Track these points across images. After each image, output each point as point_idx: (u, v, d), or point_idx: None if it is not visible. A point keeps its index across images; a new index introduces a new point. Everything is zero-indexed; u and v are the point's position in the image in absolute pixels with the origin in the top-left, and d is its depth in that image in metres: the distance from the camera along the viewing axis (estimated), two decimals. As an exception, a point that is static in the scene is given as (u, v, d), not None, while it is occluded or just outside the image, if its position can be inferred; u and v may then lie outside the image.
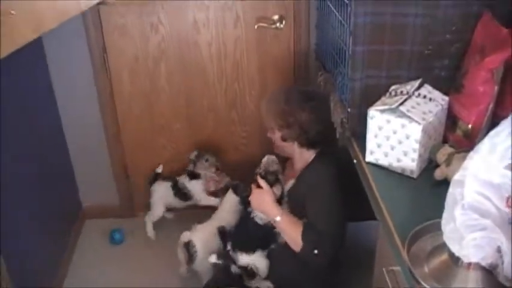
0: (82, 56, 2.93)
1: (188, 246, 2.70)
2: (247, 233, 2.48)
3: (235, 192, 2.77)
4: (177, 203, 3.14)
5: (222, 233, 2.64)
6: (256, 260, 2.42)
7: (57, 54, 2.94)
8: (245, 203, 2.55)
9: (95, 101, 3.06)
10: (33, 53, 2.83)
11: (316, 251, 2.20)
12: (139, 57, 2.97)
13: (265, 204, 2.32)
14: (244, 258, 2.42)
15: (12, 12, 1.64)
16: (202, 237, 2.71)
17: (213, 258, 2.46)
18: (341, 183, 2.29)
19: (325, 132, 2.32)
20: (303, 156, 2.42)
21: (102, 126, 3.15)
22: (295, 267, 2.32)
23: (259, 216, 2.40)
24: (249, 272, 2.41)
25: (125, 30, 2.90)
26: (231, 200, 2.80)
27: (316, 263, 2.25)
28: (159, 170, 3.17)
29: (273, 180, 2.40)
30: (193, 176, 3.08)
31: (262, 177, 2.39)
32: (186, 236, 2.71)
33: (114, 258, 3.12)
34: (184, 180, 3.10)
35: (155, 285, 2.89)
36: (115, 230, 3.25)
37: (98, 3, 2.69)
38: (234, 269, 2.43)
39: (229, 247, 2.49)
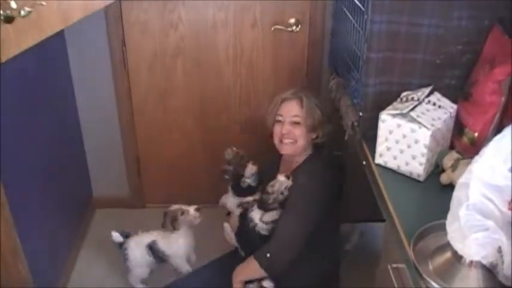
0: (102, 50, 3.00)
1: (120, 247, 2.77)
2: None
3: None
4: None
5: (151, 248, 2.73)
6: None
7: (78, 48, 3.02)
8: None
9: (112, 93, 3.13)
10: (56, 45, 2.90)
11: (268, 254, 2.28)
12: (158, 53, 3.04)
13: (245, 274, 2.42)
14: None
15: (43, 3, 1.71)
16: (135, 244, 2.75)
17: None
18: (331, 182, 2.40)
19: None
20: (304, 155, 2.48)
21: (118, 119, 3.22)
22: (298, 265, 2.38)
23: (261, 227, 2.43)
24: None
25: (145, 26, 2.96)
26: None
27: (280, 268, 2.31)
28: None
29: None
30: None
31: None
32: (116, 236, 2.76)
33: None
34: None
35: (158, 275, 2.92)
36: None
37: (121, -1, 2.78)
38: None
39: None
